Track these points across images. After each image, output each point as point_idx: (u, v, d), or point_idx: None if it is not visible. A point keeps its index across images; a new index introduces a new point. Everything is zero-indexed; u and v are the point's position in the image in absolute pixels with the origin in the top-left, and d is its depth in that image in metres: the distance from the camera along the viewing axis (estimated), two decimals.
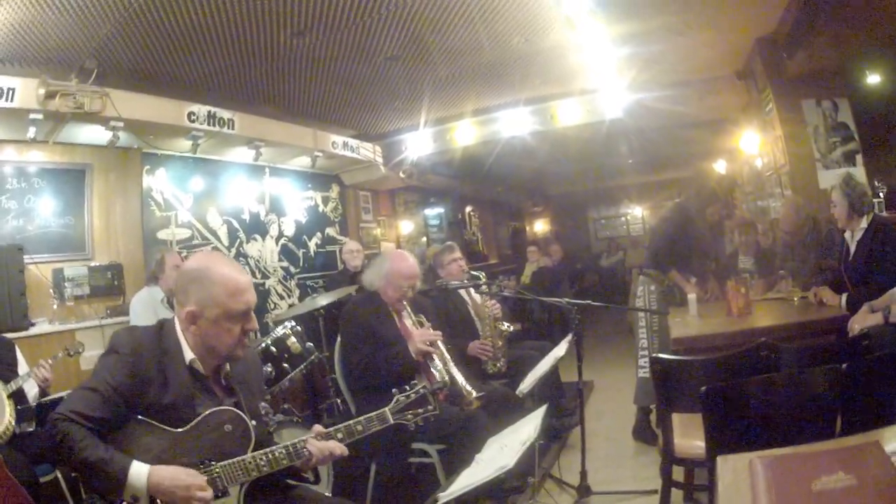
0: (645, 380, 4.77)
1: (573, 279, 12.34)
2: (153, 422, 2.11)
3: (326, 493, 3.63)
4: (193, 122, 6.01)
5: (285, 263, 8.00)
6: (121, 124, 5.40)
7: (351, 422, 2.37)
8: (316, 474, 2.40)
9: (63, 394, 4.14)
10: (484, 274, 5.25)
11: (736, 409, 2.15)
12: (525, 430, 2.57)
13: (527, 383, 3.81)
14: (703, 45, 6.11)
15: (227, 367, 2.33)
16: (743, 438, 2.01)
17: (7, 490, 2.82)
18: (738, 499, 1.34)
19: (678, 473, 3.04)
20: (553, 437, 4.89)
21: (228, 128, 6.36)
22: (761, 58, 6.22)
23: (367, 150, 8.58)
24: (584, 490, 3.85)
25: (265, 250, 7.77)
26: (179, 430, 2.12)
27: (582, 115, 7.40)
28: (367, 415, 2.41)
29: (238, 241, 7.43)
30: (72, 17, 4.35)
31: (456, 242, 9.17)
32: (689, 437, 2.80)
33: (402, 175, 9.05)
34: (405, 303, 3.92)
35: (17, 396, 3.82)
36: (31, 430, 4.05)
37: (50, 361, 4.06)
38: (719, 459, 1.51)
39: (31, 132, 5.05)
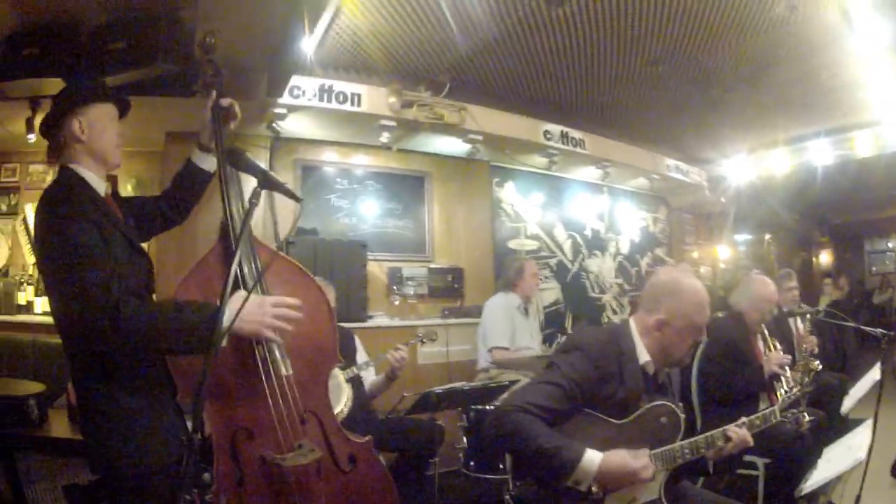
0: None
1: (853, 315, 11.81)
2: (598, 413, 2.37)
3: None
4: (549, 140, 6.55)
5: (620, 280, 8.41)
6: (479, 137, 5.93)
7: (761, 413, 2.58)
8: (714, 466, 2.54)
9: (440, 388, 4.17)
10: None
11: None
12: (862, 436, 2.87)
13: (848, 405, 4.04)
14: None
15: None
16: None
17: (370, 464, 2.93)
18: None
19: None
20: None
21: (580, 147, 6.87)
22: None
23: (695, 174, 8.80)
24: None
25: (604, 266, 8.30)
26: (621, 421, 2.37)
27: (875, 146, 7.61)
28: (763, 411, 2.60)
29: (580, 255, 7.95)
30: (429, 32, 4.78)
31: (758, 269, 9.05)
32: None
33: (722, 199, 9.17)
34: (762, 325, 4.24)
35: (355, 383, 4.11)
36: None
37: (409, 343, 4.33)
38: None
39: (384, 137, 5.59)
